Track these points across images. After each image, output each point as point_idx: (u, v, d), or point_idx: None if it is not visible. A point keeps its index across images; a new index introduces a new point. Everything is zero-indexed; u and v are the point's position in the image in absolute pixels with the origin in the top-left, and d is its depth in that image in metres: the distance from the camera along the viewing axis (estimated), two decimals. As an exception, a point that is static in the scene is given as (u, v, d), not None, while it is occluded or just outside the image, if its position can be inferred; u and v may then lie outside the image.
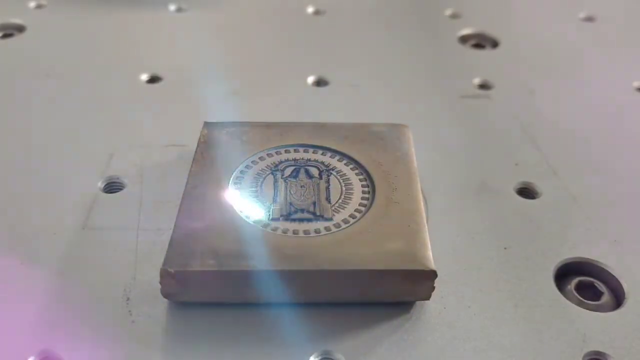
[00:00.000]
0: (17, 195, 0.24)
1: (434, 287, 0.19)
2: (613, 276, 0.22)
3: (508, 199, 0.25)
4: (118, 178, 0.25)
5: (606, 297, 0.21)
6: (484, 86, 0.32)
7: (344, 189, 0.22)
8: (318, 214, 0.21)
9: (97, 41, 0.34)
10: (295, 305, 0.20)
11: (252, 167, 0.23)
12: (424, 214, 0.21)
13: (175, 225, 0.20)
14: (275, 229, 0.20)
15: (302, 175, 0.22)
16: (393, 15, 0.39)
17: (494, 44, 0.36)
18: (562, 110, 0.30)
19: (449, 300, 0.20)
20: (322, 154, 0.23)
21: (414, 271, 0.19)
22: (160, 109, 0.29)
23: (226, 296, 0.19)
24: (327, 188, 0.22)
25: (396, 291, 0.19)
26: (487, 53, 0.36)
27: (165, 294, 0.19)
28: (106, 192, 0.24)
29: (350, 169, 0.23)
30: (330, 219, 0.20)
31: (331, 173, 0.22)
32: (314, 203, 0.21)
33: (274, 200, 0.21)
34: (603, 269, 0.22)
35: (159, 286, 0.19)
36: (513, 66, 0.34)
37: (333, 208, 0.21)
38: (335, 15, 0.38)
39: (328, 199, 0.21)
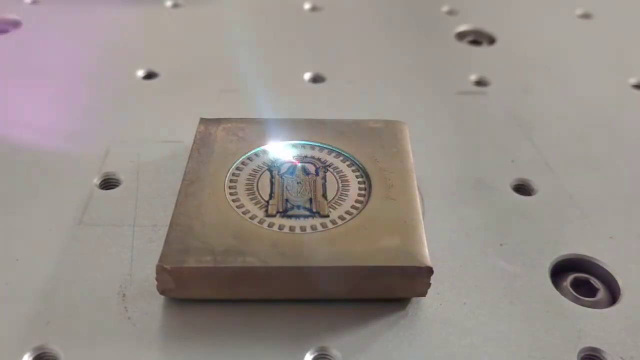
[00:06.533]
0: (13, 191, 0.24)
1: (430, 284, 0.19)
2: (608, 273, 0.22)
3: (504, 196, 0.25)
4: (114, 174, 0.25)
5: (602, 294, 0.21)
6: (480, 83, 0.32)
7: (340, 185, 0.22)
8: (314, 210, 0.21)
9: (93, 37, 0.34)
10: (292, 301, 0.20)
11: (248, 163, 0.22)
12: (420, 211, 0.21)
13: (171, 222, 0.20)
14: (271, 226, 0.20)
15: (298, 171, 0.22)
16: (390, 11, 0.39)
17: (491, 40, 0.36)
18: (558, 106, 0.30)
19: (445, 297, 0.20)
20: (318, 150, 0.23)
21: (410, 268, 0.19)
22: (156, 105, 0.29)
23: (222, 293, 0.19)
24: (324, 184, 0.22)
25: (392, 288, 0.19)
26: (483, 50, 0.36)
27: (162, 291, 0.19)
28: (102, 188, 0.24)
29: (347, 165, 0.23)
30: (327, 216, 0.20)
31: (327, 169, 0.22)
32: (311, 199, 0.21)
33: (270, 197, 0.21)
34: (599, 265, 0.22)
35: (155, 283, 0.19)
36: (510, 63, 0.34)
37: (329, 204, 0.21)
38: (333, 11, 0.38)
39: (324, 196, 0.21)
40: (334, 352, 0.19)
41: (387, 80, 0.32)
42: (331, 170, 0.22)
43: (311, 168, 0.22)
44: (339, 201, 0.21)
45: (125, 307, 0.19)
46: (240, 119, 0.24)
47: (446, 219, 0.23)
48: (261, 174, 0.22)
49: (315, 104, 0.30)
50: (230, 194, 0.21)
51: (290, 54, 0.34)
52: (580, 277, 0.21)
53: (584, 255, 0.22)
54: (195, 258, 0.19)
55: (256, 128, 0.24)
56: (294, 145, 0.23)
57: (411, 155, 0.23)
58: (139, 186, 0.24)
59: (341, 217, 0.20)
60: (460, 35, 0.37)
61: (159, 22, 0.36)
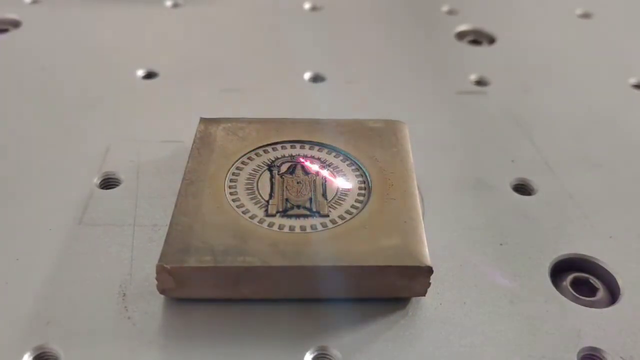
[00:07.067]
0: (13, 191, 0.24)
1: (429, 283, 0.19)
2: (608, 272, 0.22)
3: (504, 196, 0.25)
4: (114, 174, 0.25)
5: (601, 293, 0.21)
6: (480, 82, 0.32)
7: (340, 185, 0.22)
8: (314, 210, 0.21)
9: (93, 36, 0.34)
10: (292, 301, 0.20)
11: (248, 163, 0.22)
12: (420, 210, 0.21)
13: (171, 221, 0.20)
14: (271, 225, 0.20)
15: (298, 171, 0.22)
16: (390, 11, 0.39)
17: (491, 40, 0.36)
18: (558, 106, 0.30)
19: (445, 297, 0.20)
20: (318, 150, 0.23)
21: (410, 267, 0.19)
22: (156, 104, 0.29)
23: (222, 293, 0.19)
24: (324, 184, 0.22)
25: (392, 287, 0.19)
26: (483, 49, 0.36)
27: (162, 290, 0.19)
28: (102, 187, 0.24)
29: (347, 165, 0.23)
30: (327, 215, 0.20)
31: (327, 169, 0.22)
32: (311, 199, 0.21)
33: (270, 197, 0.21)
34: (598, 265, 0.22)
35: (155, 282, 0.19)
36: (510, 63, 0.34)
37: (329, 204, 0.21)
38: (332, 11, 0.38)
39: (324, 195, 0.21)
40: (334, 351, 0.19)
41: (387, 80, 0.32)
42: (331, 170, 0.22)
43: (311, 168, 0.22)
44: (339, 201, 0.21)
45: (125, 307, 0.19)
46: (240, 118, 0.24)
47: (446, 219, 0.23)
48: (261, 174, 0.22)
49: (315, 103, 0.30)
50: (230, 193, 0.21)
51: (290, 54, 0.34)
52: (580, 277, 0.21)
53: (584, 255, 0.22)
54: (195, 258, 0.19)
55: (256, 128, 0.24)
56: (294, 145, 0.23)
57: (411, 155, 0.23)
58: (139, 186, 0.24)
59: (341, 217, 0.20)
60: (460, 35, 0.37)
61: (159, 22, 0.36)
